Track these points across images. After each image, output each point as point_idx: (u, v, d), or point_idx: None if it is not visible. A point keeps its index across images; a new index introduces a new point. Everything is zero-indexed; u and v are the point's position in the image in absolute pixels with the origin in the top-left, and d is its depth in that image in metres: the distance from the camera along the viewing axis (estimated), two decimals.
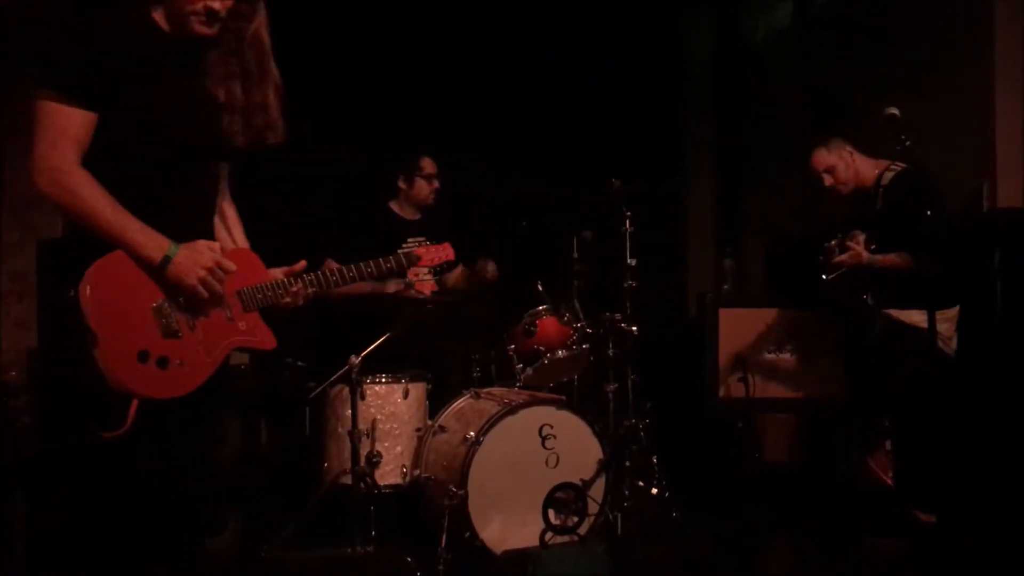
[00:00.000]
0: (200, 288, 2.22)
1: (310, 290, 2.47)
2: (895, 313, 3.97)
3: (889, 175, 4.05)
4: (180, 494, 2.30)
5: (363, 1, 5.50)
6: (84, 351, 2.08)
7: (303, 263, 2.49)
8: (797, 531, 4.21)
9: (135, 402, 2.13)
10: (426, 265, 2.83)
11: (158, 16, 2.29)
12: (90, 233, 2.15)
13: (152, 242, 2.18)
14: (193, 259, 2.22)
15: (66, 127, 2.14)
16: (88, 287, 2.11)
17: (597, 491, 3.85)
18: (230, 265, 2.28)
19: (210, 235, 2.41)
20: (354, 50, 5.52)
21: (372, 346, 3.97)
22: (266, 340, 2.42)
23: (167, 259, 2.18)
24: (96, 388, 2.09)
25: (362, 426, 3.80)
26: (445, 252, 3.01)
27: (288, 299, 2.44)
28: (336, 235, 4.48)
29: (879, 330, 4.06)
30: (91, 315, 2.09)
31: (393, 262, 2.65)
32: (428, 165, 4.68)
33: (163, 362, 2.19)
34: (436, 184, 4.68)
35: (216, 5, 2.24)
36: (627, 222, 4.41)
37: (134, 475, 2.22)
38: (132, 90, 2.20)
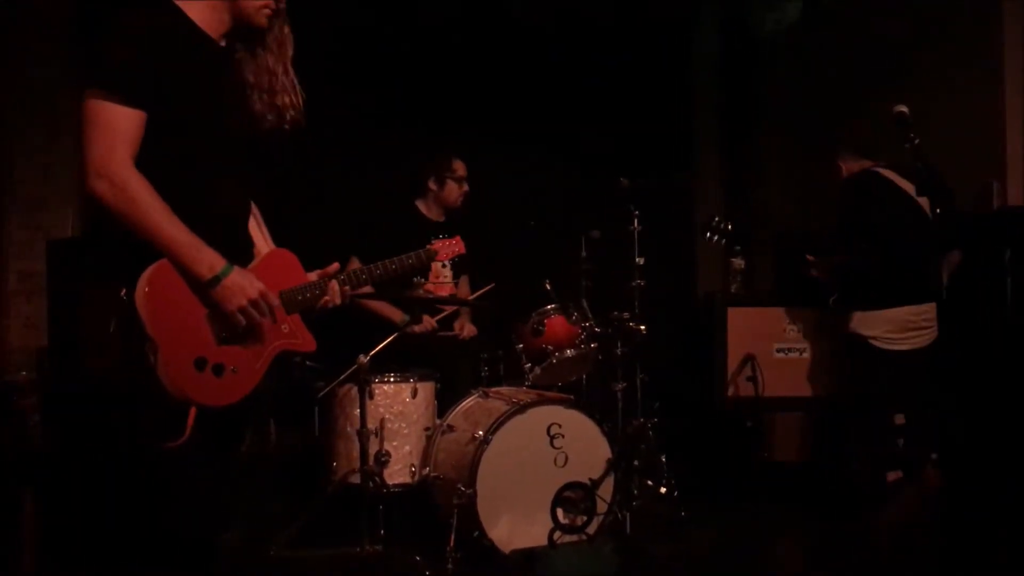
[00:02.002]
0: (239, 316, 2.19)
1: (346, 287, 2.47)
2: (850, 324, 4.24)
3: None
4: (199, 494, 2.27)
5: (382, 6, 5.50)
6: (140, 358, 2.05)
7: (335, 265, 2.49)
8: (807, 530, 4.21)
9: (193, 410, 2.11)
10: (442, 260, 2.85)
11: (186, 7, 2.28)
12: (139, 238, 2.10)
13: (205, 259, 2.14)
14: (241, 285, 2.18)
15: (122, 129, 2.10)
16: (144, 292, 2.07)
17: (606, 490, 3.84)
18: (275, 300, 2.26)
19: (247, 232, 2.41)
20: (373, 51, 5.52)
21: (381, 345, 3.98)
22: (307, 342, 2.40)
23: (217, 279, 2.15)
24: (156, 396, 2.07)
25: (371, 425, 3.81)
26: (457, 246, 3.04)
27: (327, 298, 2.43)
28: (362, 235, 4.48)
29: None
30: (149, 322, 2.06)
31: (415, 259, 2.66)
32: (460, 167, 4.65)
33: (219, 369, 2.17)
34: (466, 187, 4.65)
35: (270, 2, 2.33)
36: (635, 220, 4.41)
37: (166, 479, 2.19)
38: (173, 87, 2.18)
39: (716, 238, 4.58)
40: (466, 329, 4.59)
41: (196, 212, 2.17)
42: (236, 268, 2.19)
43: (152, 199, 2.10)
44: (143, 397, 2.09)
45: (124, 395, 2.15)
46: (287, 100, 2.40)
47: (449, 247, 2.97)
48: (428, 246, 2.80)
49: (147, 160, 2.14)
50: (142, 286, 2.07)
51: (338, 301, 2.46)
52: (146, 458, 2.17)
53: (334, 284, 2.44)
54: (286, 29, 2.42)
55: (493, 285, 4.50)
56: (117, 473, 2.37)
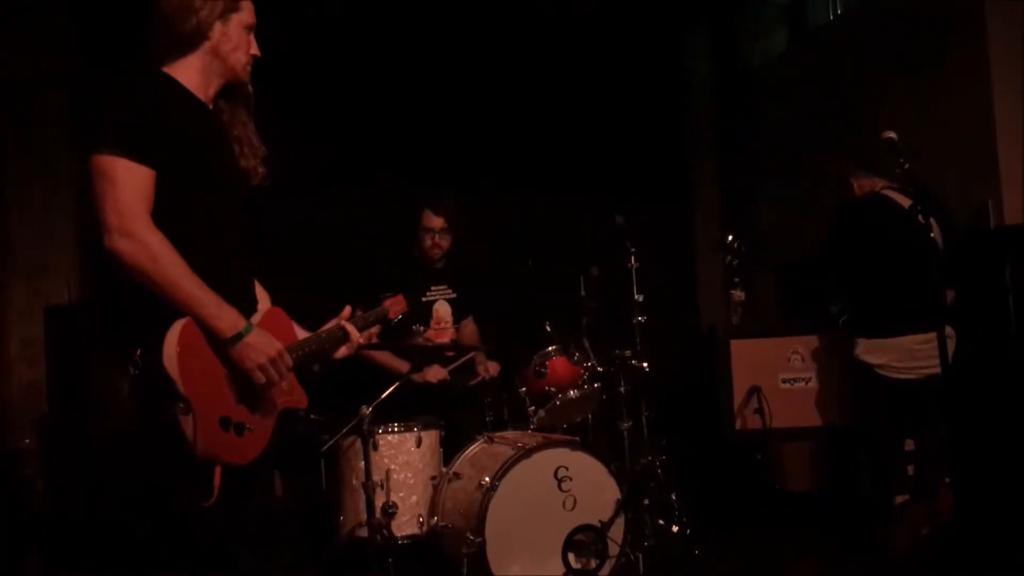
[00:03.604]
0: (259, 373, 2.20)
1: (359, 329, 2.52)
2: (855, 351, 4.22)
3: None
4: (224, 551, 2.28)
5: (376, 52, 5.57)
6: (169, 418, 2.05)
7: (347, 309, 2.55)
8: (822, 561, 4.15)
9: (218, 469, 2.11)
10: (392, 318, 2.82)
11: (171, 71, 2.32)
12: (159, 297, 2.10)
13: (227, 317, 2.16)
14: (262, 343, 2.20)
15: (138, 187, 2.12)
16: (176, 352, 2.06)
17: (617, 532, 3.79)
18: (289, 359, 2.27)
19: (252, 284, 2.44)
20: (369, 94, 5.57)
21: (383, 395, 3.96)
22: (302, 398, 2.41)
23: (239, 336, 2.16)
24: (184, 456, 2.07)
25: (376, 477, 3.78)
26: (399, 305, 2.95)
27: (349, 344, 2.50)
28: (360, 287, 4.46)
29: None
30: (182, 381, 2.05)
31: (372, 317, 2.67)
32: (429, 219, 4.54)
33: (240, 428, 2.18)
34: (441, 239, 4.55)
35: (257, 53, 2.40)
36: (632, 258, 4.40)
37: (193, 538, 2.20)
38: (176, 147, 2.21)
39: (730, 258, 4.57)
40: (490, 368, 4.55)
41: (209, 270, 2.19)
42: (256, 328, 2.21)
43: (173, 256, 2.11)
44: (171, 458, 2.09)
45: (150, 456, 2.16)
46: (261, 156, 2.46)
47: (395, 306, 2.91)
48: (382, 303, 2.79)
49: (158, 219, 2.15)
50: (172, 346, 2.06)
51: (363, 340, 2.54)
52: (175, 518, 2.18)
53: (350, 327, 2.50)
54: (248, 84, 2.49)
55: (472, 355, 4.51)
56: (145, 534, 2.34)
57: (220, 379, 2.16)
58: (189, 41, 2.30)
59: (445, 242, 4.58)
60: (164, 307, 2.10)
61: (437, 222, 4.55)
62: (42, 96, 4.84)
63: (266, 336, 2.22)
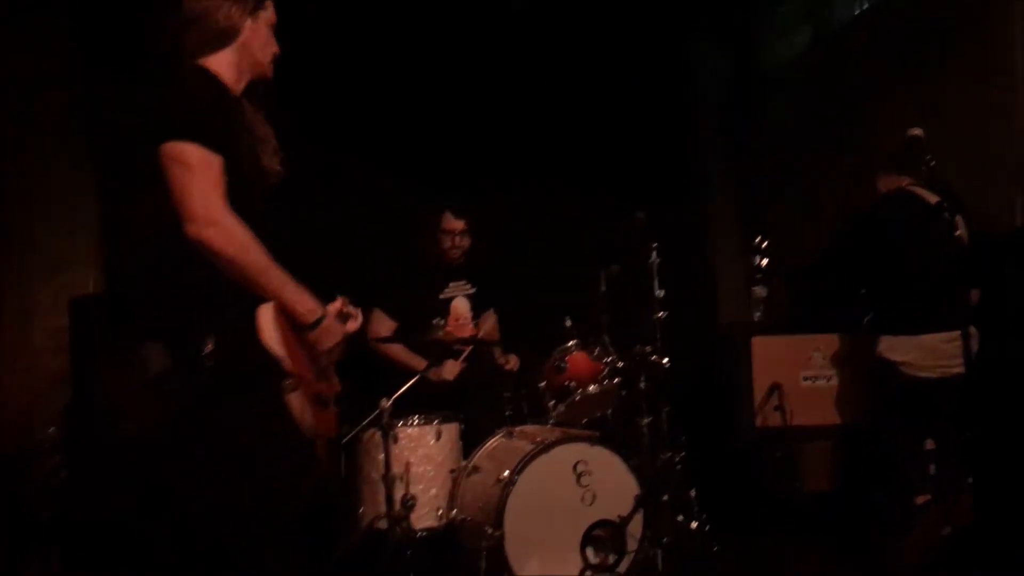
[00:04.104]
0: (330, 356, 2.29)
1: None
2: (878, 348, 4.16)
3: None
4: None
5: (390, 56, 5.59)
6: (277, 398, 2.10)
7: (339, 300, 2.55)
8: (840, 560, 4.14)
9: (319, 444, 2.21)
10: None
11: (212, 67, 2.35)
12: (242, 283, 2.13)
13: (308, 302, 2.22)
14: (336, 328, 2.29)
15: (214, 174, 2.14)
16: (274, 335, 2.11)
17: (635, 527, 3.78)
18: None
19: None
20: (388, 97, 5.59)
21: (403, 389, 3.98)
22: (337, 383, 2.48)
23: (319, 321, 2.22)
24: (290, 434, 2.13)
25: (396, 469, 3.79)
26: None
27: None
28: (382, 286, 4.50)
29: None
30: (285, 360, 2.11)
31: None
32: (448, 221, 4.60)
33: (326, 403, 2.27)
34: (460, 240, 4.60)
35: (277, 51, 2.44)
36: (653, 253, 4.38)
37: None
38: (227, 138, 2.24)
39: (759, 259, 4.56)
40: (511, 361, 4.57)
41: None
42: (327, 311, 2.28)
43: (257, 243, 2.15)
44: (274, 438, 2.14)
45: (245, 441, 2.16)
46: (278, 155, 2.49)
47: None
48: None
49: None
50: (270, 327, 2.10)
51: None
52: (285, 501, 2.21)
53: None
54: None
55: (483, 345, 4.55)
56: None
57: (303, 359, 2.21)
58: (223, 37, 2.33)
59: (465, 243, 4.62)
60: (220, 294, 2.13)
61: (458, 225, 4.60)
62: (66, 88, 4.88)
63: (334, 318, 2.31)
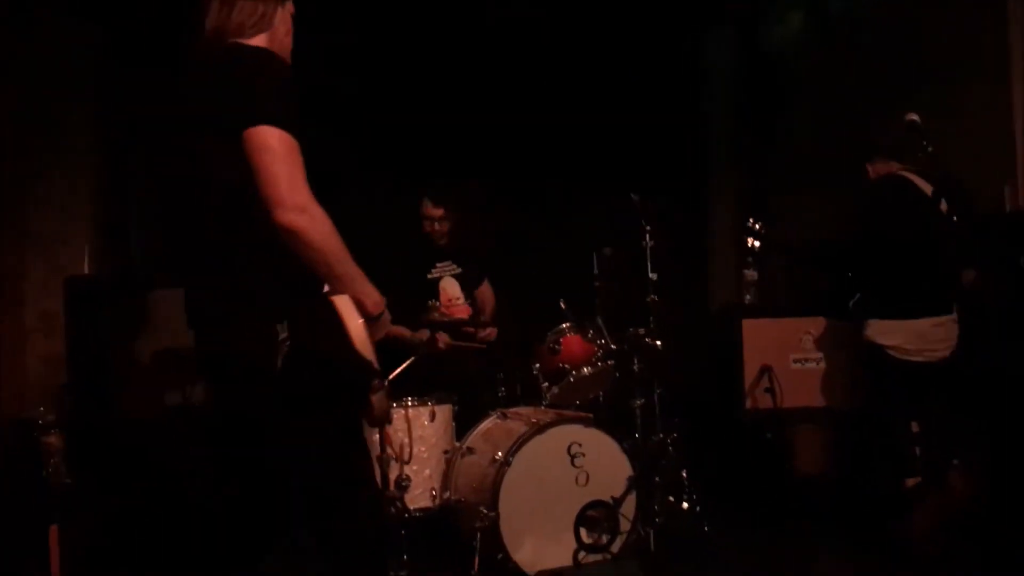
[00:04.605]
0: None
1: None
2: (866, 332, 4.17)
3: None
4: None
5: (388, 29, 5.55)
6: (362, 396, 2.17)
7: None
8: (830, 541, 4.18)
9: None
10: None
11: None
12: (320, 270, 2.14)
13: (376, 295, 2.23)
14: (388, 320, 2.29)
15: (299, 160, 2.12)
16: (361, 333, 2.13)
17: (628, 508, 3.83)
18: None
19: None
20: (382, 73, 5.56)
21: (397, 370, 3.99)
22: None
23: (382, 313, 2.24)
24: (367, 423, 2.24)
25: (390, 450, 3.81)
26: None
27: None
28: (370, 260, 4.50)
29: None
30: (374, 363, 2.15)
31: None
32: (428, 208, 4.68)
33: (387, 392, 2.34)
34: (441, 225, 4.66)
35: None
36: (647, 236, 4.40)
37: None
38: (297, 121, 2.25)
39: (752, 241, 4.58)
40: (488, 332, 4.60)
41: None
42: None
43: (336, 231, 2.15)
44: (347, 429, 2.20)
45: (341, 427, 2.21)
46: None
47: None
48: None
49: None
50: (357, 325, 2.13)
51: None
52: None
53: None
54: None
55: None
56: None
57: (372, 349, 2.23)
58: (262, 20, 2.32)
59: (445, 227, 4.69)
60: (289, 281, 2.13)
61: (436, 212, 4.68)
62: (60, 70, 4.84)
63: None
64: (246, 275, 2.14)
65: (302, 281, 2.14)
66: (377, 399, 2.17)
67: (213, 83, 2.19)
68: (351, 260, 2.16)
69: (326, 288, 2.19)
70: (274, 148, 2.08)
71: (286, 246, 2.09)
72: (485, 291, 4.82)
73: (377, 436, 3.79)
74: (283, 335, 2.10)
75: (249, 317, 2.11)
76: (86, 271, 4.65)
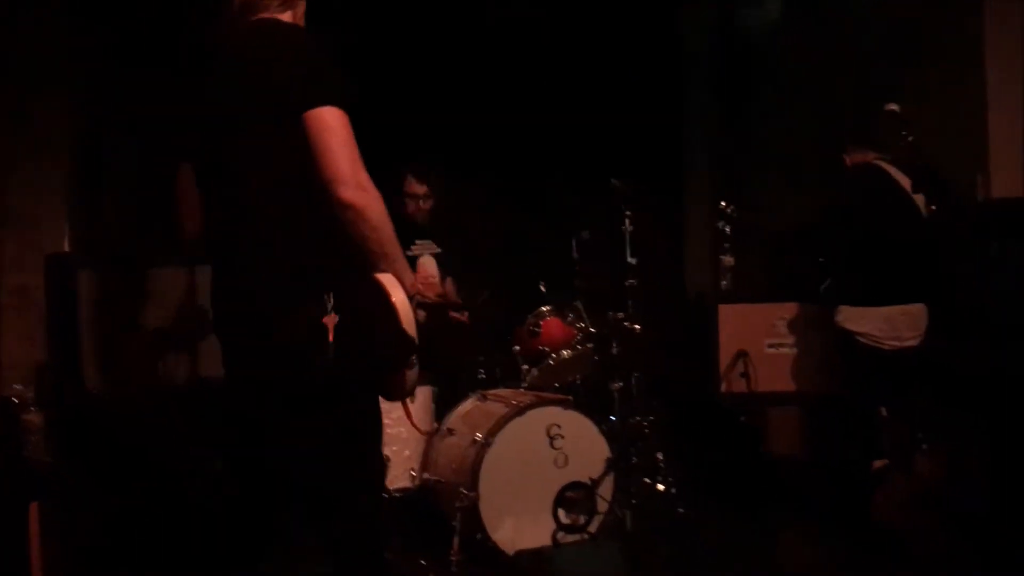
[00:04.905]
0: None
1: None
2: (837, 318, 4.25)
3: None
4: None
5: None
6: (399, 370, 2.21)
7: None
8: (802, 522, 4.26)
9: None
10: None
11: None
12: (370, 248, 2.15)
13: (412, 276, 2.26)
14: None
15: (354, 141, 2.14)
16: (406, 310, 2.17)
17: (606, 489, 3.88)
18: None
19: None
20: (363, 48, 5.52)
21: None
22: None
23: (412, 296, 2.25)
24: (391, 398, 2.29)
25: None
26: None
27: None
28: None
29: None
30: (415, 341, 2.18)
31: None
32: (411, 184, 4.67)
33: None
34: (421, 204, 4.67)
35: None
36: (627, 221, 4.43)
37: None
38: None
39: (723, 224, 4.63)
40: (446, 285, 4.65)
41: None
42: None
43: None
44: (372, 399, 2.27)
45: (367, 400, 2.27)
46: None
47: None
48: None
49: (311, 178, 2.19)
50: (400, 296, 2.17)
51: None
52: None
53: None
54: None
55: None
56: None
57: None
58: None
59: (427, 205, 4.70)
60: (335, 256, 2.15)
61: (420, 189, 4.67)
62: (36, 41, 4.77)
63: None
64: (296, 255, 2.16)
65: (347, 260, 2.17)
66: (411, 374, 2.21)
67: (254, 61, 2.18)
68: (397, 241, 2.19)
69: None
70: (336, 128, 2.10)
71: (330, 226, 2.11)
72: (449, 286, 4.82)
73: None
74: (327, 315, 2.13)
75: (304, 301, 2.12)
76: (66, 248, 4.62)
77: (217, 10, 2.28)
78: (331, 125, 2.10)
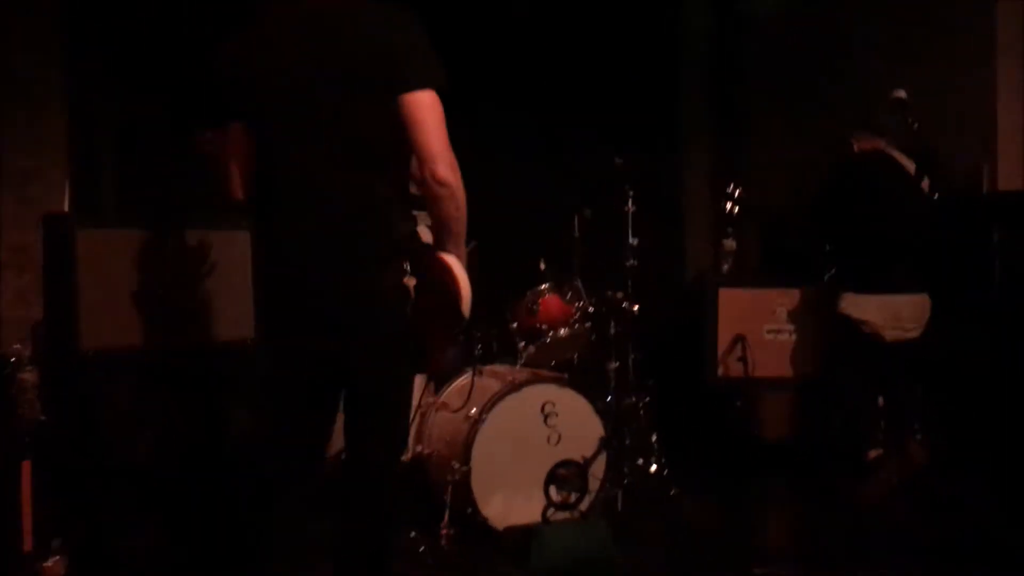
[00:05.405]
0: None
1: None
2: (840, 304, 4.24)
3: None
4: None
5: None
6: (443, 345, 2.39)
7: None
8: (794, 506, 4.28)
9: None
10: None
11: None
12: (446, 225, 2.31)
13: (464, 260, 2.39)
14: None
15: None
16: (467, 292, 2.31)
17: (598, 468, 3.89)
18: None
19: None
20: None
21: None
22: None
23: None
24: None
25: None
26: None
27: None
28: None
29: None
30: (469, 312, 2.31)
31: None
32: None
33: None
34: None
35: None
36: (629, 200, 4.42)
37: None
38: None
39: (729, 206, 4.62)
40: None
41: None
42: None
43: None
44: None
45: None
46: None
47: None
48: None
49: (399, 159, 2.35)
50: (464, 277, 2.32)
51: None
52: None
53: None
54: None
55: None
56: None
57: None
58: None
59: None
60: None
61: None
62: (29, 13, 4.72)
63: None
64: (388, 219, 2.31)
65: (418, 237, 2.33)
66: (451, 352, 2.47)
67: (359, 31, 2.25)
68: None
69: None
70: (436, 108, 2.23)
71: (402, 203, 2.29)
72: None
73: None
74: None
75: (395, 261, 2.28)
76: (65, 209, 4.60)
77: None
78: (431, 104, 2.22)
